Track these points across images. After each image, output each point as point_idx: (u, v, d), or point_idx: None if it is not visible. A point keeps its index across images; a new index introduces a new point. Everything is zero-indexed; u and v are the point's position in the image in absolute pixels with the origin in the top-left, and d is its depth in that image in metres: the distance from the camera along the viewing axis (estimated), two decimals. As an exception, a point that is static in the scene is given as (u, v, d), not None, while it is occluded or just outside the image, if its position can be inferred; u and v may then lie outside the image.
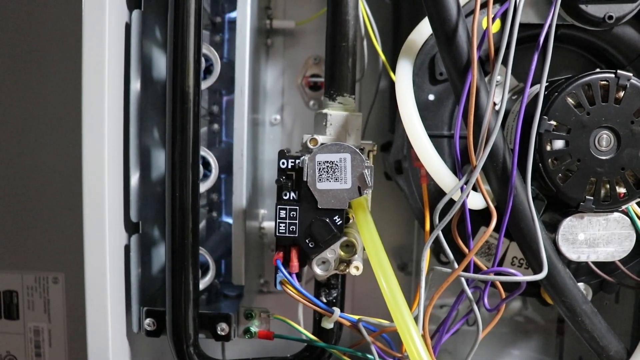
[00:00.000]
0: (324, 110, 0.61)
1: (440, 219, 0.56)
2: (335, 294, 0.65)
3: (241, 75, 0.69)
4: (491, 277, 0.58)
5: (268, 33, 0.90)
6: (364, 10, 0.76)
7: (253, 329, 0.68)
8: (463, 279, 0.59)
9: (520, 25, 0.55)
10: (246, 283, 0.73)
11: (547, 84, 0.59)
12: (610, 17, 0.59)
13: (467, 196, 0.56)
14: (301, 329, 0.66)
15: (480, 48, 0.55)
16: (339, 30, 0.61)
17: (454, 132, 0.63)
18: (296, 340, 0.67)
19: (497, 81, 0.56)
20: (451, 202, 0.56)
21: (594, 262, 0.64)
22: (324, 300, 0.64)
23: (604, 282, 0.67)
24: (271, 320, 0.69)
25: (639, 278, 0.66)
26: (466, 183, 0.56)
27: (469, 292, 0.59)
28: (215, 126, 0.84)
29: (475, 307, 0.60)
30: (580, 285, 0.65)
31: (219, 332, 0.67)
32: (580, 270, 0.66)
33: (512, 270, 0.57)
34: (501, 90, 0.56)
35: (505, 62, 0.55)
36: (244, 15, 0.69)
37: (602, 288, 0.68)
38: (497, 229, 0.57)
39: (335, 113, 0.61)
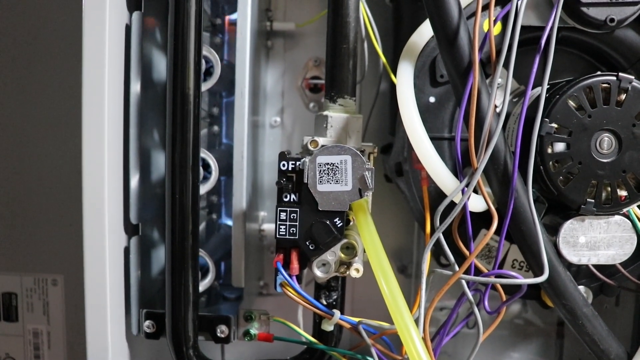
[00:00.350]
0: (325, 112, 0.61)
1: (441, 222, 0.56)
2: (335, 296, 0.64)
3: (241, 77, 0.69)
4: (492, 279, 0.58)
5: (268, 35, 0.90)
6: (364, 12, 0.76)
7: (253, 331, 0.68)
8: (464, 282, 0.59)
9: (522, 27, 0.55)
10: (246, 285, 0.73)
11: (548, 86, 0.59)
12: (612, 20, 0.59)
13: (468, 198, 0.56)
14: (301, 331, 0.66)
15: (481, 50, 0.55)
16: (339, 32, 0.61)
17: (454, 134, 0.63)
18: (296, 343, 0.67)
19: (498, 84, 0.56)
20: (452, 205, 0.56)
21: (594, 265, 0.64)
22: (324, 303, 0.64)
23: (604, 285, 0.67)
24: (271, 322, 0.69)
25: (639, 281, 0.66)
26: (467, 185, 0.56)
27: (469, 294, 0.59)
28: (215, 128, 0.84)
29: (476, 310, 0.60)
30: (581, 288, 0.65)
31: (218, 335, 0.67)
32: (580, 273, 0.66)
33: (513, 273, 0.57)
34: (502, 93, 0.56)
35: (506, 65, 0.55)
36: (245, 17, 0.69)
37: (603, 291, 0.68)
38: (497, 231, 0.57)
39: (335, 115, 0.61)
